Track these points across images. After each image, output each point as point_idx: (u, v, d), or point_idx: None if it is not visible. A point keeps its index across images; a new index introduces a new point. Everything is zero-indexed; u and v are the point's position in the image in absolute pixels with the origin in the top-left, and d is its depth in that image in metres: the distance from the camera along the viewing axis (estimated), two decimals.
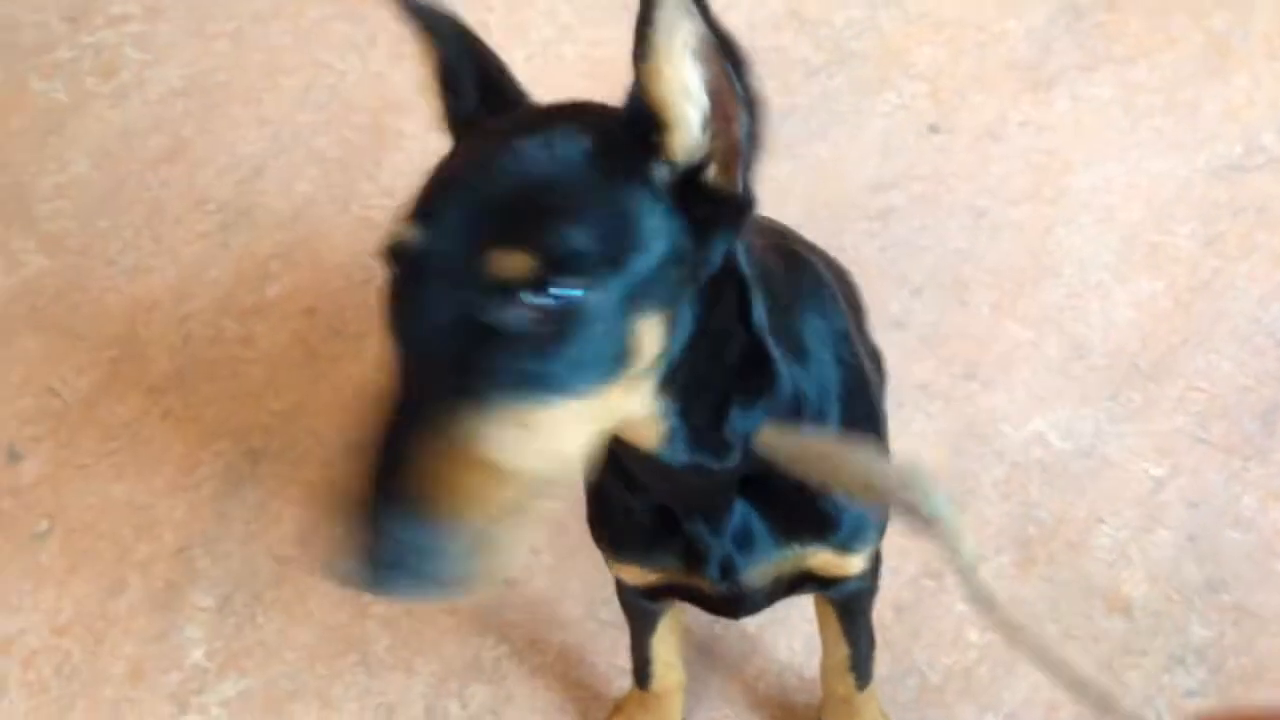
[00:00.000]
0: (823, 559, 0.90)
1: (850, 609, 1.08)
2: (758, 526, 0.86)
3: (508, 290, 0.59)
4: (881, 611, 1.19)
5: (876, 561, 1.02)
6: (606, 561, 0.99)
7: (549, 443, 0.62)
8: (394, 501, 0.57)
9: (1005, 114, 1.65)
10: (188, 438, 1.50)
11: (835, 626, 1.10)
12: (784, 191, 1.59)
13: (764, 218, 0.89)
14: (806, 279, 0.89)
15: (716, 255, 0.68)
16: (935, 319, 1.50)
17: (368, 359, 1.53)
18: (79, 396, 1.52)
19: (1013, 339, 1.47)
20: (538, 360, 0.60)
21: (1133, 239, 1.54)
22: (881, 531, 0.94)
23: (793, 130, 1.66)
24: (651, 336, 0.65)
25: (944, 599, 1.30)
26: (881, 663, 1.19)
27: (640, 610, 1.13)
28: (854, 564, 0.93)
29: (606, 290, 0.61)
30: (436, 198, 0.64)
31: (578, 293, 0.60)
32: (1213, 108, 1.64)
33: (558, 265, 0.59)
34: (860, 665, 1.13)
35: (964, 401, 1.44)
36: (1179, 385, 1.42)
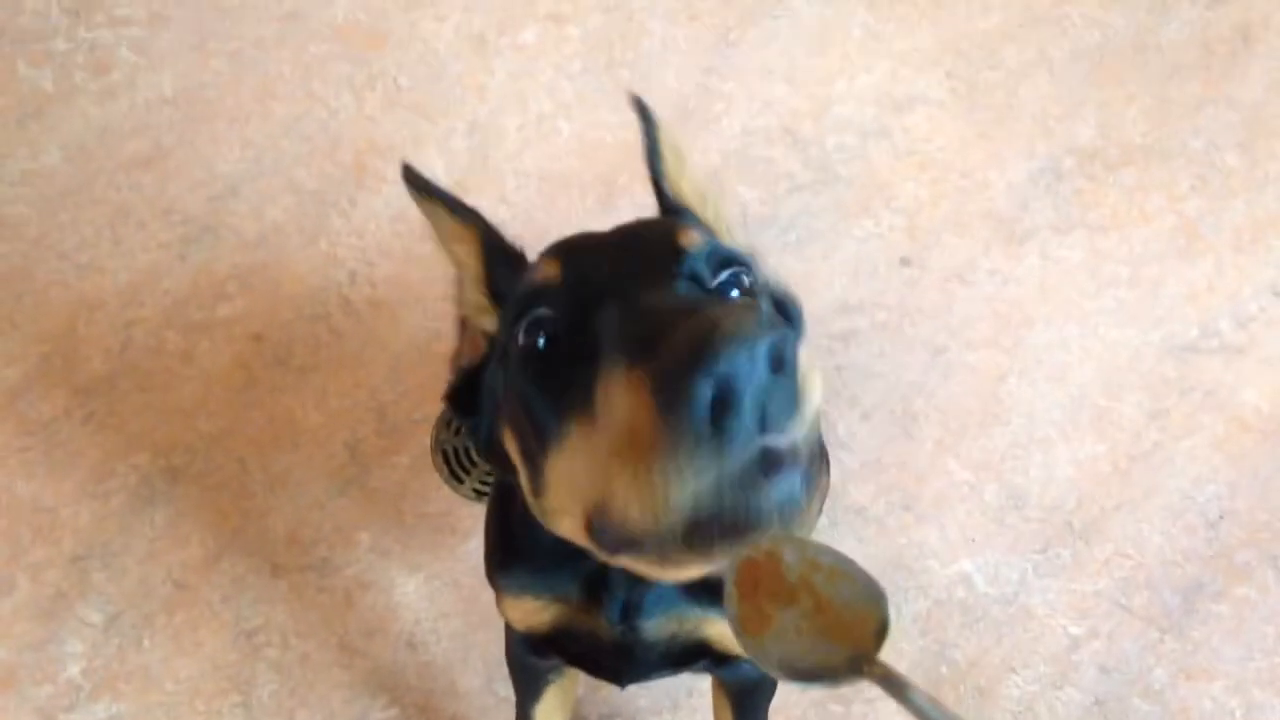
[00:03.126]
0: (721, 629, 0.88)
1: (743, 703, 1.05)
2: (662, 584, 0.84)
3: None
4: None
5: None
6: (499, 600, 0.96)
7: None
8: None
9: (976, 260, 1.68)
10: (106, 445, 1.45)
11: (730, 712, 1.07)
12: None
13: None
14: None
15: None
16: (880, 446, 1.50)
17: (305, 392, 1.50)
18: (3, 386, 1.48)
19: (952, 478, 1.47)
20: None
21: (1081, 400, 1.56)
22: None
23: (769, 240, 1.68)
24: None
25: None
26: None
27: (529, 671, 1.09)
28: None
29: None
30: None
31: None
32: (1175, 287, 1.68)
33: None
34: None
35: (896, 531, 1.43)
36: (1108, 549, 1.42)
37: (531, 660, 1.06)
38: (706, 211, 0.76)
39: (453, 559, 1.38)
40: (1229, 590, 1.39)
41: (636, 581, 0.84)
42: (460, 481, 1.41)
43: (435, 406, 1.48)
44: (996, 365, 1.58)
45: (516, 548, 0.92)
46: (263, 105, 1.78)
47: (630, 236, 0.68)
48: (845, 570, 0.57)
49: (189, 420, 1.47)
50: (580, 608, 0.89)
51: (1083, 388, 1.57)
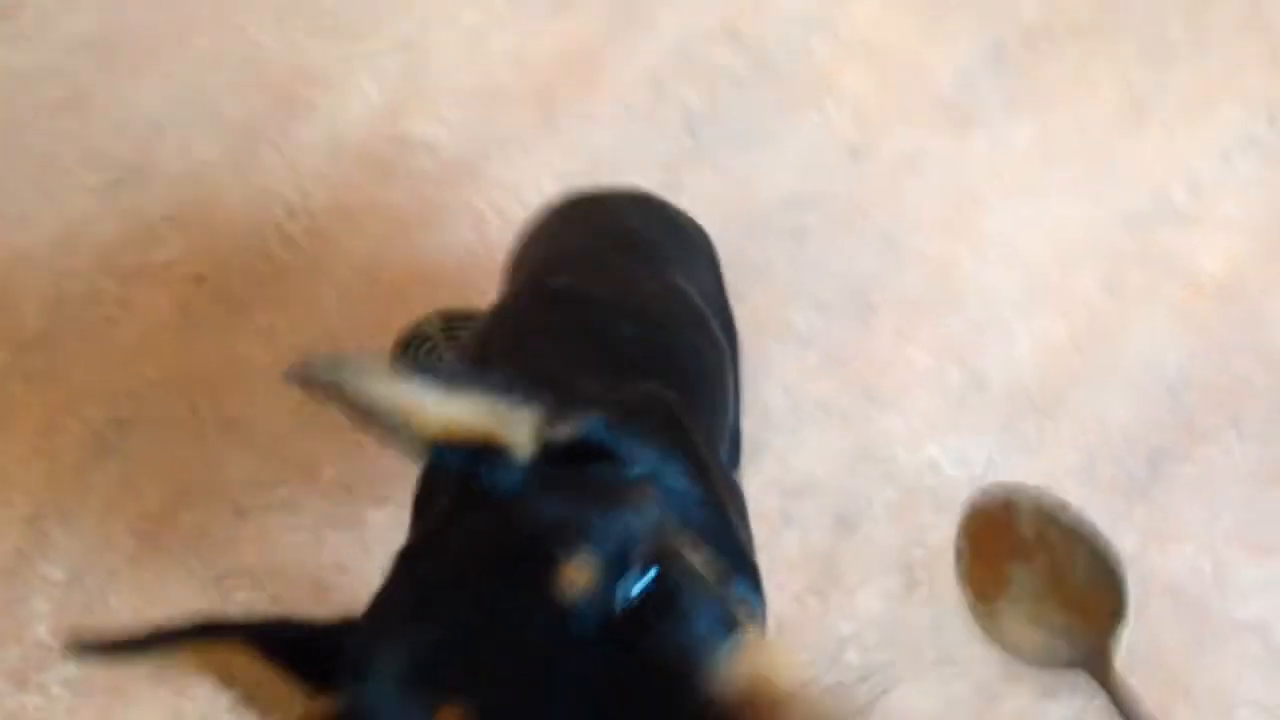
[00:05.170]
0: None
1: None
2: None
3: None
4: None
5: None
6: None
7: None
8: None
9: (925, 146, 1.65)
10: (51, 401, 1.41)
11: None
12: (701, 200, 1.56)
13: None
14: None
15: None
16: (839, 339, 1.49)
17: (251, 331, 1.46)
18: None
19: (913, 365, 1.47)
20: None
21: (1037, 279, 1.55)
22: None
23: (715, 141, 1.65)
24: None
25: (828, 619, 1.28)
26: None
27: None
28: None
29: None
30: None
31: None
32: (1125, 158, 1.66)
33: None
34: None
35: (861, 423, 1.43)
36: (1071, 424, 1.42)
37: None
38: None
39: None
40: (1193, 453, 1.40)
41: None
42: None
43: (388, 334, 1.45)
44: (950, 251, 1.57)
45: None
46: (183, 41, 1.72)
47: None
48: (1082, 530, 0.54)
49: (134, 369, 1.43)
50: None
51: (1038, 266, 1.56)
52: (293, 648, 0.54)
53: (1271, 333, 1.49)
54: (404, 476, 1.38)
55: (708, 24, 1.73)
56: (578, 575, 0.50)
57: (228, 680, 0.54)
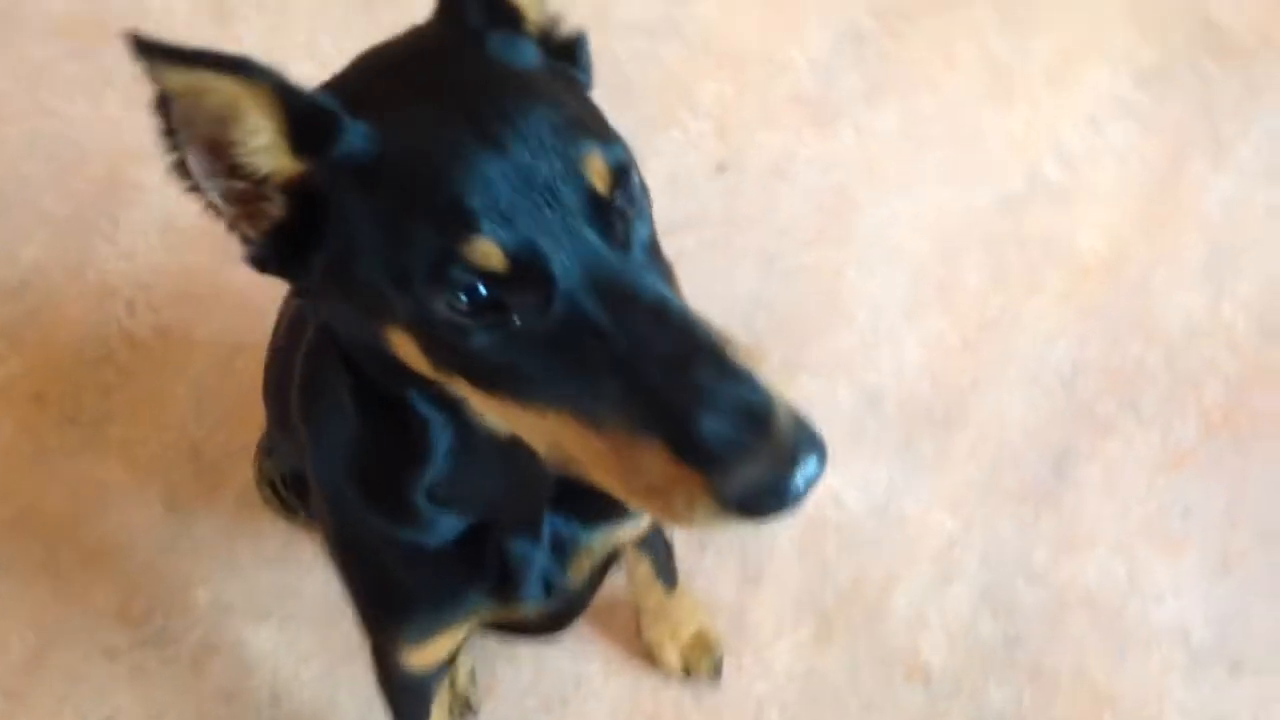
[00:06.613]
0: (627, 530, 0.88)
1: (657, 557, 1.15)
2: (563, 525, 0.83)
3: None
4: None
5: None
6: (395, 652, 0.89)
7: None
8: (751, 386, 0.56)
9: (792, 150, 1.59)
10: None
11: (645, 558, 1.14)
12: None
13: None
14: None
15: None
16: None
17: (105, 448, 1.37)
18: None
19: (803, 391, 1.42)
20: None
21: (921, 276, 1.50)
22: None
23: None
24: None
25: (742, 681, 1.23)
26: None
27: (415, 693, 1.02)
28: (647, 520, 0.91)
29: None
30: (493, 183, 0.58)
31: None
32: (995, 137, 1.62)
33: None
34: (663, 571, 1.17)
35: None
36: (970, 433, 1.39)
37: (419, 681, 0.99)
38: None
39: (301, 597, 1.28)
40: (1097, 448, 1.37)
41: (546, 549, 0.82)
42: (295, 511, 1.30)
43: (253, 432, 1.36)
44: (832, 261, 1.52)
45: (403, 586, 0.85)
46: None
47: (527, 167, 0.59)
48: None
49: None
50: (497, 608, 0.85)
51: (920, 263, 1.52)
52: (302, 116, 0.60)
53: (1159, 306, 1.47)
54: (282, 588, 1.31)
55: None
56: (601, 169, 0.60)
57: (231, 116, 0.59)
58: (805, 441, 0.56)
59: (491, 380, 0.61)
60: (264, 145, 0.60)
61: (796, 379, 1.42)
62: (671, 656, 1.23)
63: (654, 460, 0.56)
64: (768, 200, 1.57)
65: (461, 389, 0.63)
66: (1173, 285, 1.49)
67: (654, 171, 1.56)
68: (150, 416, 1.40)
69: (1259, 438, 1.36)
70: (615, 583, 1.18)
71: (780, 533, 1.33)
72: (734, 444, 0.54)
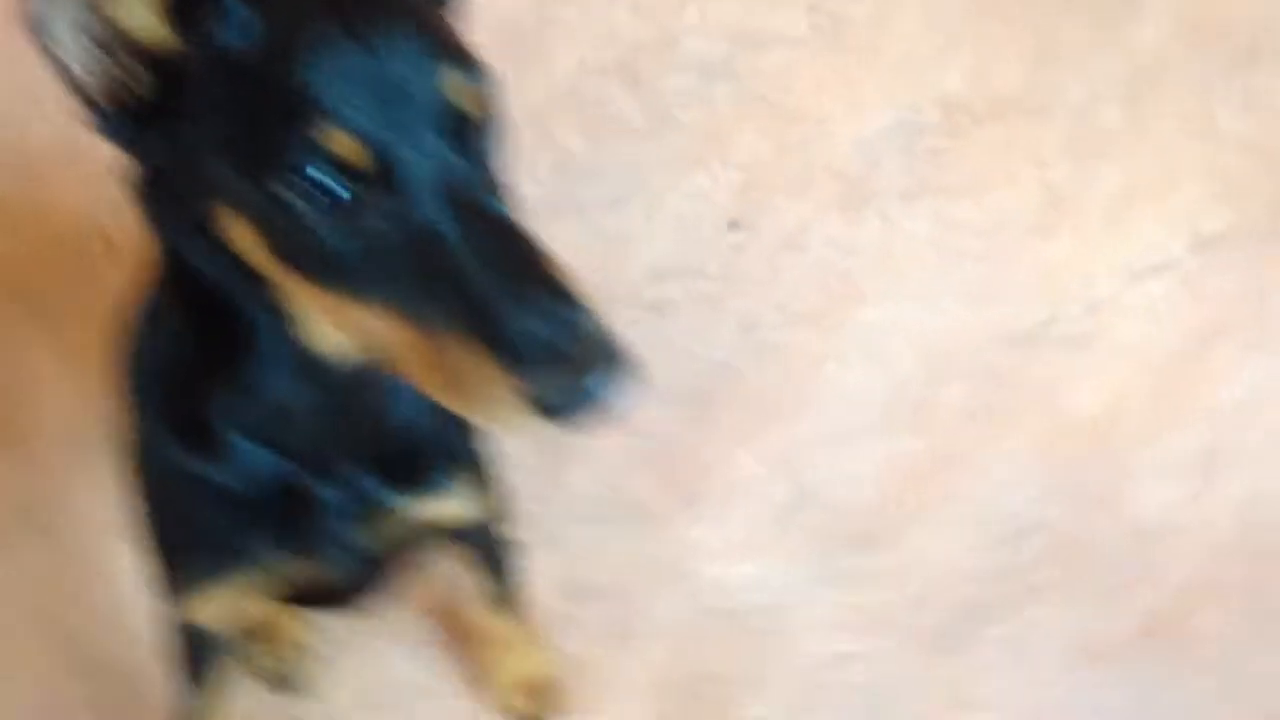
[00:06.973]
0: (440, 505, 0.89)
1: (495, 563, 1.11)
2: (373, 486, 0.83)
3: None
4: None
5: (504, 512, 1.03)
6: (182, 593, 0.87)
7: None
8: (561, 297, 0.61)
9: (811, 225, 1.54)
10: None
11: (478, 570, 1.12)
12: (560, 253, 1.47)
13: None
14: None
15: None
16: (671, 434, 1.39)
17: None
18: None
19: (742, 472, 1.37)
20: None
21: (900, 390, 1.44)
22: (490, 480, 0.95)
23: (588, 191, 1.54)
24: None
25: None
26: None
27: (198, 647, 0.99)
28: (463, 508, 0.91)
29: None
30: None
31: None
32: (1027, 266, 1.53)
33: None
34: (498, 593, 1.14)
35: (675, 530, 1.34)
36: (893, 560, 1.33)
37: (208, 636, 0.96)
38: None
39: None
40: (1019, 612, 1.30)
41: (356, 501, 0.83)
42: None
43: None
44: (814, 346, 1.46)
45: (191, 520, 0.84)
46: None
47: (394, 73, 0.62)
48: None
49: None
50: (288, 560, 0.84)
51: (905, 375, 1.45)
52: None
53: (1133, 490, 1.37)
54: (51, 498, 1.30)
55: (606, 60, 1.62)
56: (463, 89, 0.65)
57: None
58: (611, 355, 0.60)
59: (327, 274, 0.64)
60: (144, 16, 0.63)
61: (737, 457, 1.38)
62: (505, 695, 1.20)
63: (467, 356, 0.60)
64: (771, 269, 1.52)
65: (291, 282, 0.65)
66: (1159, 469, 1.39)
67: (665, 213, 1.54)
68: None
69: (1190, 660, 1.26)
70: None
71: (666, 612, 1.29)
72: (543, 346, 0.59)
